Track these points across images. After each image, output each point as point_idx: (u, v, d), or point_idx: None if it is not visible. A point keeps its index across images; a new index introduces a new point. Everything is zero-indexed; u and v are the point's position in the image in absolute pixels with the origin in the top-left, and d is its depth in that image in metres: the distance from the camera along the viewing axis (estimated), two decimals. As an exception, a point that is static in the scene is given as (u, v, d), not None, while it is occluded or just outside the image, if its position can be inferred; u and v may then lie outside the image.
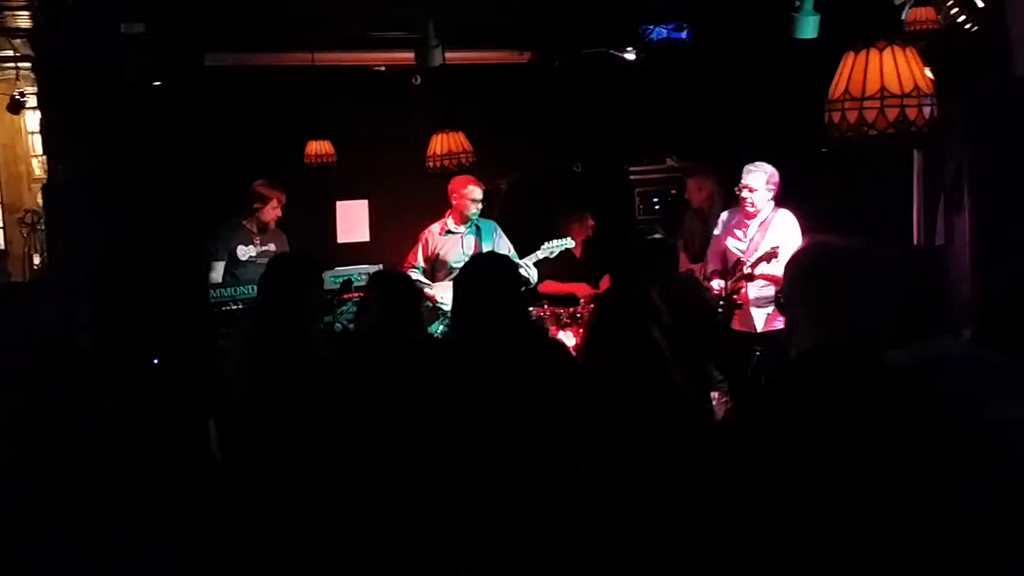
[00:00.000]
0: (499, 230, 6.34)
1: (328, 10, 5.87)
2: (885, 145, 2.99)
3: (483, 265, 3.47)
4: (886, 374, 2.09)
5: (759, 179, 5.34)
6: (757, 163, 5.39)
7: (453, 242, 6.22)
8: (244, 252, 6.18)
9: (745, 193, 5.36)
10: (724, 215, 5.71)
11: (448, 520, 2.83)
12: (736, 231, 5.52)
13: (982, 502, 2.00)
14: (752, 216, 5.41)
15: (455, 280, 3.39)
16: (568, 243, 6.33)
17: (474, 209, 6.17)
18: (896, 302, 2.40)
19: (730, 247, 5.53)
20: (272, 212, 6.25)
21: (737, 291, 5.33)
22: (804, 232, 5.26)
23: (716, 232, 5.71)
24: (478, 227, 6.24)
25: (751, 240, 5.39)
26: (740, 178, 5.41)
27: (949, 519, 1.97)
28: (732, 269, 5.44)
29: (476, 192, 6.14)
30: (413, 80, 6.89)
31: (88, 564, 2.27)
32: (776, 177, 5.37)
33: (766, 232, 5.34)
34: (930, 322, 2.42)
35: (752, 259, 5.27)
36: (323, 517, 3.00)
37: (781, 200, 5.45)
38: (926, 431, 2.01)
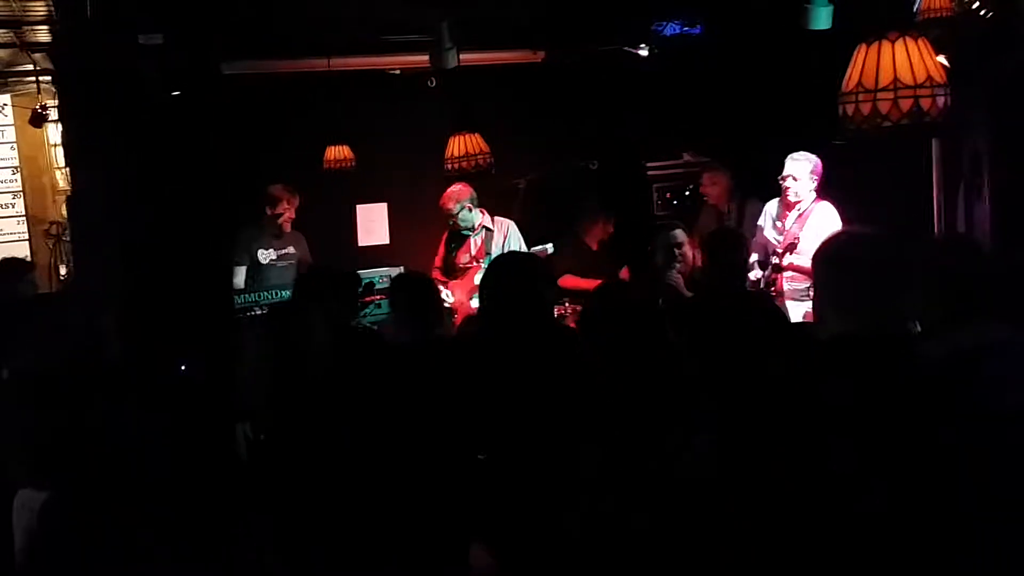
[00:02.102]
0: (512, 232, 6.26)
1: (342, 15, 5.91)
2: (899, 136, 2.99)
3: (507, 264, 3.52)
4: (904, 364, 2.10)
5: (803, 168, 5.30)
6: (800, 152, 5.34)
7: (462, 244, 6.24)
8: (265, 256, 6.26)
9: (789, 182, 5.33)
10: (768, 205, 5.65)
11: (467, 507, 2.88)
12: (778, 223, 5.50)
13: (992, 492, 2.01)
14: (792, 207, 5.38)
15: (482, 279, 3.43)
16: (548, 248, 6.22)
17: (453, 222, 6.12)
18: (927, 289, 2.42)
19: (770, 238, 5.52)
20: (288, 214, 6.30)
21: (772, 283, 5.30)
22: (845, 225, 5.15)
23: (759, 222, 5.68)
24: (488, 229, 6.22)
25: (788, 231, 5.36)
26: (759, 170, 5.39)
27: (953, 509, 1.98)
28: (768, 260, 5.41)
29: (449, 208, 6.05)
30: (428, 82, 6.92)
31: (115, 567, 2.31)
32: (820, 167, 5.32)
33: (804, 224, 5.29)
34: (980, 306, 2.42)
35: (779, 250, 5.25)
36: (344, 507, 3.05)
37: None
38: (936, 423, 2.02)
